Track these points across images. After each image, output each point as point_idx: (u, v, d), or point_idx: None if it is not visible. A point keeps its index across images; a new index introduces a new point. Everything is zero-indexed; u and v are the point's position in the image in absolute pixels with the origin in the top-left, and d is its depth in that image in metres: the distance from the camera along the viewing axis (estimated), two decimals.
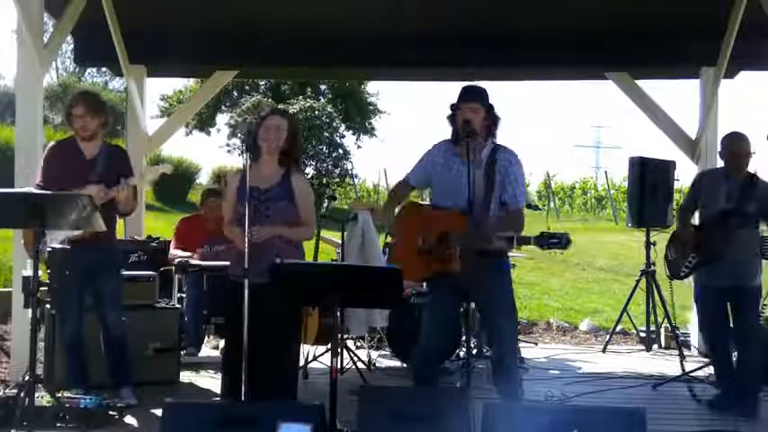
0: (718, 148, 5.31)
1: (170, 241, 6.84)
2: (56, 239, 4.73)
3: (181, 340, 5.97)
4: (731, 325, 5.24)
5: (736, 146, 5.16)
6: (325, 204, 7.13)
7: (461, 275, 3.98)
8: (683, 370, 6.04)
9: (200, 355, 6.48)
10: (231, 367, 4.24)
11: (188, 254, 6.44)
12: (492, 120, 4.26)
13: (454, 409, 3.46)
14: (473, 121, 4.16)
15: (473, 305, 4.57)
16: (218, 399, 4.73)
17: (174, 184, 17.16)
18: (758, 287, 5.18)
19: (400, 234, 4.49)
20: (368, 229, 6.34)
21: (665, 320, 7.49)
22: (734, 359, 5.27)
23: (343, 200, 21.31)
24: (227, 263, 4.70)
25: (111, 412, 4.57)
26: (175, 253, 6.54)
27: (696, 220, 5.55)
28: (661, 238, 7.57)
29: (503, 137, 4.39)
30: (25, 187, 4.91)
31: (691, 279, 5.55)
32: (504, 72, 8.14)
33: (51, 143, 5.06)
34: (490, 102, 4.26)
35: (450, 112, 4.30)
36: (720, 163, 5.38)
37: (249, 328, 3.99)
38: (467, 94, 4.26)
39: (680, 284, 6.09)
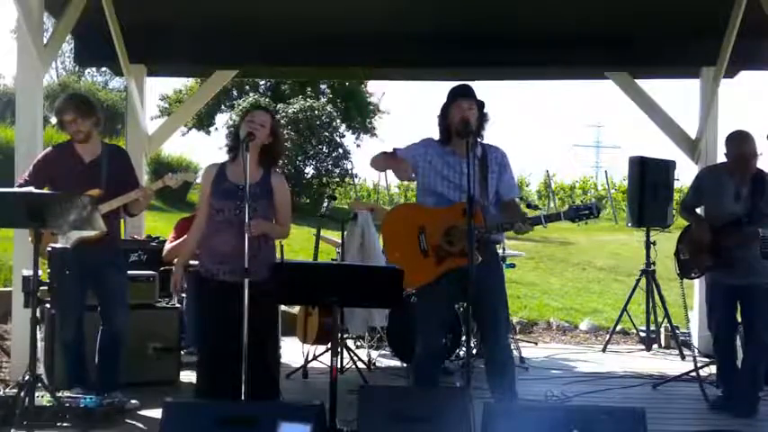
0: (721, 148, 5.24)
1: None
2: (68, 239, 4.72)
3: (181, 340, 5.96)
4: (739, 324, 5.23)
5: (745, 147, 5.06)
6: (325, 204, 7.11)
7: (468, 268, 3.87)
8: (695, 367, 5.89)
9: None
10: (207, 366, 4.29)
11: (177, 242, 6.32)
12: (483, 118, 4.29)
13: (454, 409, 3.46)
14: (472, 119, 4.17)
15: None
16: (217, 399, 4.72)
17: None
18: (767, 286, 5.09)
19: (394, 238, 4.32)
20: (368, 228, 6.34)
21: (665, 320, 7.51)
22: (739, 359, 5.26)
23: (343, 200, 21.26)
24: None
25: (110, 412, 4.57)
26: (168, 246, 6.45)
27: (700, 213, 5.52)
28: (661, 238, 7.58)
29: (503, 136, 4.43)
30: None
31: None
32: (503, 72, 8.15)
33: (49, 148, 5.05)
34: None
35: (440, 111, 4.30)
36: (721, 159, 5.33)
37: (226, 328, 4.00)
38: (464, 92, 4.27)
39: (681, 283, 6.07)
